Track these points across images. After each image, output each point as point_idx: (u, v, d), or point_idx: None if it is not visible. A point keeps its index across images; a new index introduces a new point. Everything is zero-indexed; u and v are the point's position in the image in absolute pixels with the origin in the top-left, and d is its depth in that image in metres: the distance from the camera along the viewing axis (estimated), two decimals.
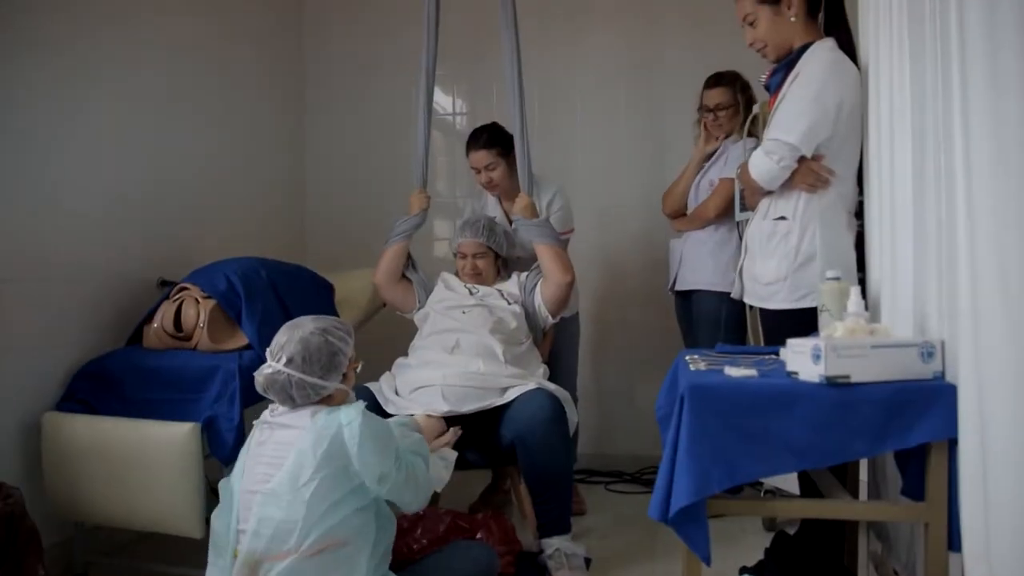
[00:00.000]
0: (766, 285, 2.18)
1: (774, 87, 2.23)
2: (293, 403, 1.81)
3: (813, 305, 2.03)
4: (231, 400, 2.35)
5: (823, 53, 2.10)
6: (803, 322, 2.02)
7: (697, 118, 3.14)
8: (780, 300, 2.15)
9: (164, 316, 2.57)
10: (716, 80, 3.06)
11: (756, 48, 2.23)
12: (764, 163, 2.10)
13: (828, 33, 2.17)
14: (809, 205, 2.11)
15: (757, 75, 3.15)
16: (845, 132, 2.08)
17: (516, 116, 2.83)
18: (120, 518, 2.37)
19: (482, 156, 3.02)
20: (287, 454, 1.75)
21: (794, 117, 2.06)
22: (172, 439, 2.27)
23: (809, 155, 2.07)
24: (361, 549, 1.76)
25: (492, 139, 3.02)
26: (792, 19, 2.14)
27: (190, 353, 2.51)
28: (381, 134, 4.05)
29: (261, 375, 1.81)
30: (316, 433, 1.74)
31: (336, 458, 1.73)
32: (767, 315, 2.22)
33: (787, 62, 2.18)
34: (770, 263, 2.16)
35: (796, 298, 2.12)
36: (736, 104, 3.01)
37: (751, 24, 2.19)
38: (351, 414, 1.77)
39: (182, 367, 2.44)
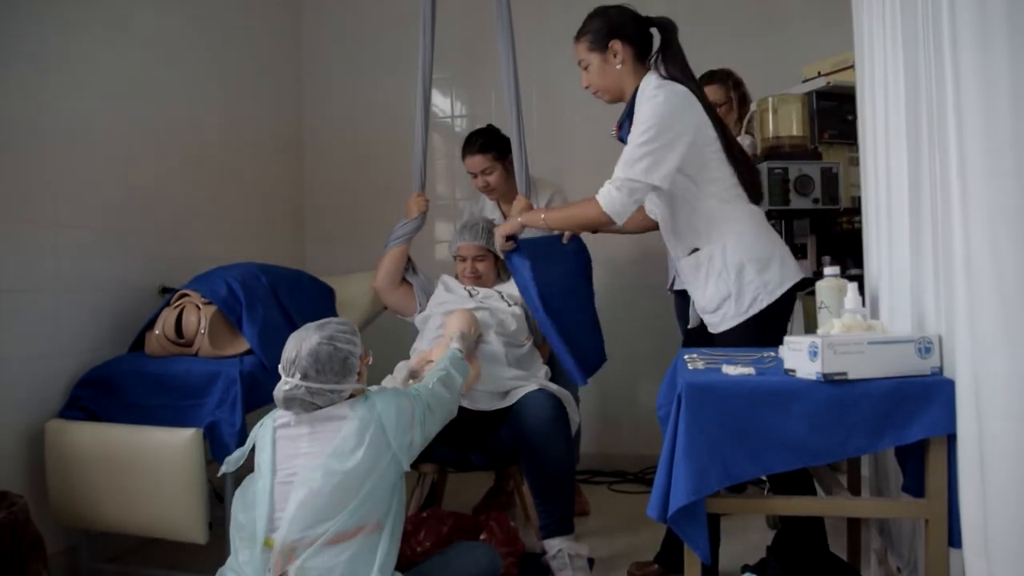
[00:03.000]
0: (715, 311, 2.23)
1: (625, 136, 2.24)
2: (317, 409, 1.84)
3: (763, 307, 2.15)
4: (232, 405, 2.36)
5: (647, 90, 2.16)
6: (759, 328, 2.12)
7: None
8: (733, 317, 2.19)
9: (165, 323, 2.58)
10: (709, 78, 3.07)
11: (592, 91, 2.32)
12: (616, 196, 2.13)
13: (667, 62, 2.23)
14: (709, 223, 2.18)
15: (755, 74, 3.18)
16: (696, 148, 2.14)
17: (512, 118, 2.83)
18: (124, 524, 2.38)
19: (478, 161, 3.02)
20: (330, 443, 1.79)
21: (639, 154, 2.10)
22: (174, 445, 2.28)
23: (665, 186, 2.13)
24: (388, 532, 1.81)
25: (488, 144, 3.01)
26: (618, 66, 2.23)
27: (191, 359, 2.52)
28: (380, 137, 4.06)
29: (280, 392, 1.84)
30: (360, 419, 1.81)
31: (380, 441, 1.81)
32: (726, 336, 2.22)
33: (628, 112, 2.23)
34: (708, 290, 2.22)
35: (745, 309, 2.17)
36: (729, 101, 3.02)
37: (585, 69, 2.28)
38: (385, 401, 1.87)
39: (184, 373, 2.45)
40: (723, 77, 3.04)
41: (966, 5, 1.37)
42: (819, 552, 2.06)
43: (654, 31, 2.28)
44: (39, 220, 2.51)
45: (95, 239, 2.72)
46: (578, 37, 2.29)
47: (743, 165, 2.21)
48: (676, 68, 2.21)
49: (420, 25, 2.91)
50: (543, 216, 2.42)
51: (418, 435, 1.92)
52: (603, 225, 2.26)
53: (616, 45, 2.23)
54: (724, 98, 3.01)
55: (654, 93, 2.13)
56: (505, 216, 3.15)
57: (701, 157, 2.15)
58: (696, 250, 2.23)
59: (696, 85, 2.22)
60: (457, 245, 2.94)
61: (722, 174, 2.19)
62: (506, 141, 2.95)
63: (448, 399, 2.10)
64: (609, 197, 2.14)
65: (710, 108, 2.20)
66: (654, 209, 2.40)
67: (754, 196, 2.23)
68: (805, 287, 2.71)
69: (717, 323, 2.24)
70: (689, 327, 2.48)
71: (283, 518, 1.76)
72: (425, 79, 2.93)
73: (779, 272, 2.17)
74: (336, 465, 1.76)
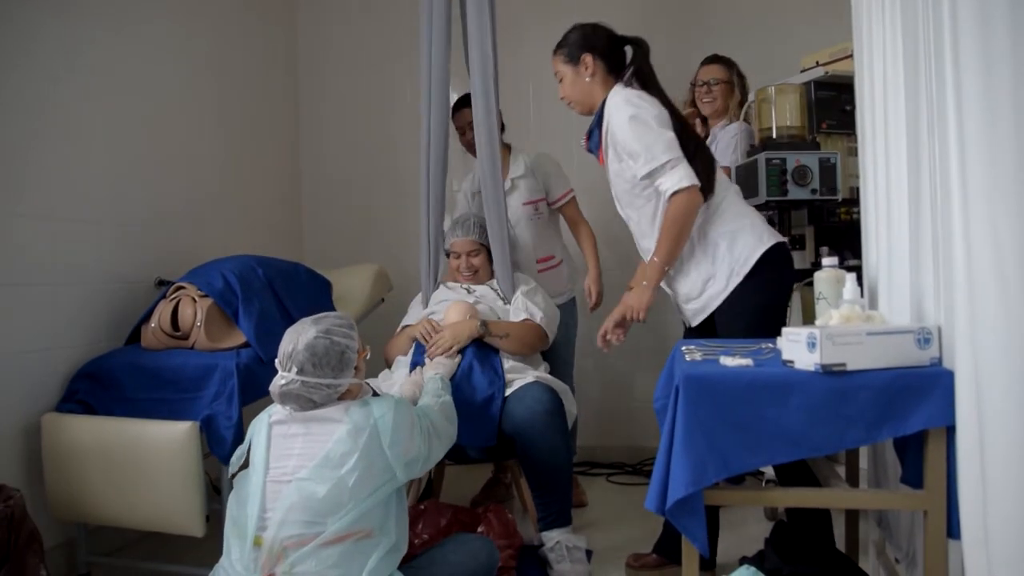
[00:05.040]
0: (701, 296, 2.28)
1: (595, 147, 2.38)
2: (314, 405, 1.83)
3: (747, 272, 2.18)
4: (229, 398, 2.35)
5: (614, 99, 2.27)
6: (748, 295, 2.19)
7: (687, 98, 3.13)
8: (718, 295, 2.24)
9: (161, 316, 2.57)
10: (714, 58, 3.13)
11: (566, 102, 2.44)
12: (674, 173, 2.17)
13: (636, 77, 2.32)
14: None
15: (753, 63, 3.17)
16: None
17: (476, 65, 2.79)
18: (121, 518, 2.37)
19: (467, 114, 3.05)
20: (323, 446, 1.78)
21: (647, 145, 2.18)
22: (171, 438, 2.27)
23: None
24: (380, 541, 1.78)
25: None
26: (588, 79, 2.35)
27: (188, 352, 2.51)
28: (376, 130, 4.05)
29: (276, 387, 1.82)
30: (354, 424, 1.78)
31: (373, 448, 1.78)
32: (720, 312, 2.26)
33: (596, 122, 2.36)
34: (690, 277, 2.28)
35: (724, 286, 2.22)
36: (731, 82, 3.03)
37: (560, 81, 2.41)
38: (383, 407, 1.83)
39: (180, 366, 2.44)
40: (729, 61, 3.08)
41: None
42: (818, 544, 2.05)
43: (628, 49, 2.39)
44: (35, 213, 2.50)
45: (91, 232, 2.71)
46: (555, 51, 2.43)
47: (697, 159, 2.23)
48: (641, 82, 2.31)
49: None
50: (657, 260, 2.26)
51: (420, 449, 1.89)
52: (699, 203, 2.21)
53: (587, 59, 2.35)
54: (727, 78, 3.04)
55: (620, 103, 2.24)
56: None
57: None
58: None
59: (662, 96, 2.29)
60: (450, 242, 2.92)
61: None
62: None
63: (451, 429, 2.12)
64: (676, 176, 2.17)
65: (671, 109, 2.27)
66: (628, 214, 2.42)
67: (706, 187, 2.24)
68: (803, 278, 2.71)
69: (706, 305, 2.28)
70: (691, 327, 2.46)
71: (272, 518, 1.75)
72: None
73: (750, 241, 2.21)
74: (327, 472, 1.74)
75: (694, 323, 2.37)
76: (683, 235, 2.21)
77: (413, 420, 1.91)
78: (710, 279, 2.25)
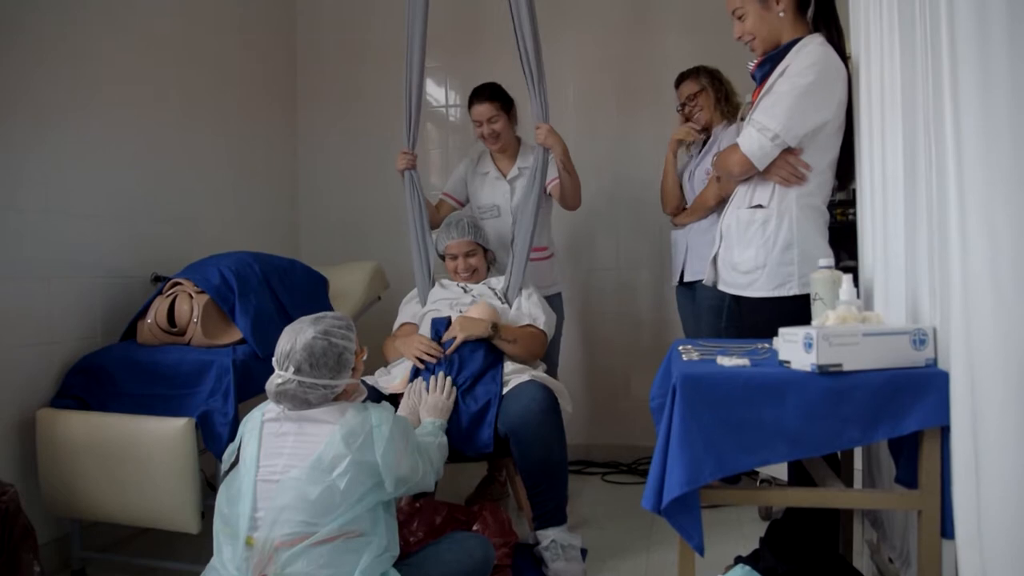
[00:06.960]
0: (744, 273, 2.20)
1: (760, 78, 2.23)
2: (309, 405, 1.82)
3: (791, 294, 2.08)
4: (225, 395, 2.35)
5: (815, 47, 2.10)
6: (782, 311, 2.04)
7: (680, 122, 3.19)
8: (758, 288, 2.17)
9: (158, 311, 2.57)
10: (681, 78, 3.18)
11: (744, 41, 2.25)
12: (757, 139, 2.10)
13: (817, 29, 2.18)
14: (787, 194, 2.13)
15: (747, 63, 3.18)
16: (831, 128, 2.09)
17: (528, 40, 2.85)
18: (116, 514, 2.37)
19: (485, 109, 3.08)
20: (315, 446, 1.77)
21: (782, 107, 2.07)
22: (167, 434, 2.27)
23: (793, 145, 2.09)
24: (371, 541, 1.78)
25: (495, 93, 3.10)
26: (780, 14, 2.17)
27: (184, 348, 2.50)
28: (373, 128, 4.04)
29: (272, 386, 1.82)
30: (349, 428, 1.77)
31: (366, 454, 1.77)
32: (744, 303, 2.23)
33: (775, 55, 2.18)
34: (748, 252, 2.19)
35: (774, 286, 2.14)
36: (704, 89, 3.08)
37: (739, 18, 2.23)
38: (382, 416, 1.82)
39: (176, 362, 2.43)
40: (693, 73, 3.15)
41: None
42: (812, 544, 2.06)
43: None
44: (31, 207, 2.49)
45: (87, 227, 2.71)
46: None
47: (844, 151, 2.15)
48: (835, 31, 2.17)
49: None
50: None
51: (411, 470, 1.89)
52: (746, 171, 2.17)
53: None
54: (699, 87, 3.10)
55: (819, 50, 2.08)
56: (501, 169, 3.21)
57: (820, 132, 2.11)
58: (759, 207, 2.18)
59: (846, 56, 2.14)
60: (446, 244, 2.92)
61: (825, 157, 2.14)
62: (511, 99, 3.10)
63: (441, 468, 2.15)
64: (750, 141, 2.11)
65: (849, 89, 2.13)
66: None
67: (843, 181, 2.20)
68: None
69: (744, 285, 2.21)
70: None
71: (264, 518, 1.74)
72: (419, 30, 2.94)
73: (806, 272, 2.07)
74: (318, 474, 1.74)
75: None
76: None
77: (409, 439, 1.91)
78: (761, 268, 2.16)
